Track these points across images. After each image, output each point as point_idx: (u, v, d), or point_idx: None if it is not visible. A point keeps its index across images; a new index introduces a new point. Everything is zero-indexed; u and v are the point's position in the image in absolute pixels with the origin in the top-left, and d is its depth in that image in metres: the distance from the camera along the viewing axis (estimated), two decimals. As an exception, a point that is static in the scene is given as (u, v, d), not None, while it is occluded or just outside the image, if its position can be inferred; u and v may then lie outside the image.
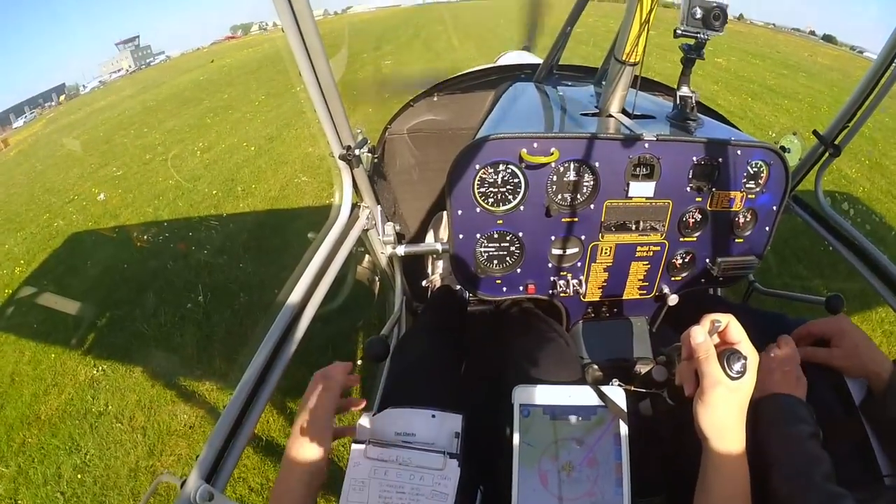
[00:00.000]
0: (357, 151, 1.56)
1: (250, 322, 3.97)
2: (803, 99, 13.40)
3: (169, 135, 11.08)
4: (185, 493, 0.92)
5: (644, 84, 2.20)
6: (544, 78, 2.11)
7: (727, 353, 0.87)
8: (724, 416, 0.88)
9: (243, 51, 34.12)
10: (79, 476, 3.08)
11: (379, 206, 1.78)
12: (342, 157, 1.55)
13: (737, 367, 0.86)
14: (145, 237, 5.79)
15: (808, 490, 0.87)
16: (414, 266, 1.82)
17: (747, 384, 0.88)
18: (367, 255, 2.00)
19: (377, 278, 2.04)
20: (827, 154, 1.91)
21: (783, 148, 1.96)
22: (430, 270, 2.25)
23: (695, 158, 1.42)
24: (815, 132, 1.92)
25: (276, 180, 6.87)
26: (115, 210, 7.14)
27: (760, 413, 1.03)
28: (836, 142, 1.85)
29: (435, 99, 2.23)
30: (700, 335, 0.91)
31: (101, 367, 3.87)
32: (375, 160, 1.97)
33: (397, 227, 1.85)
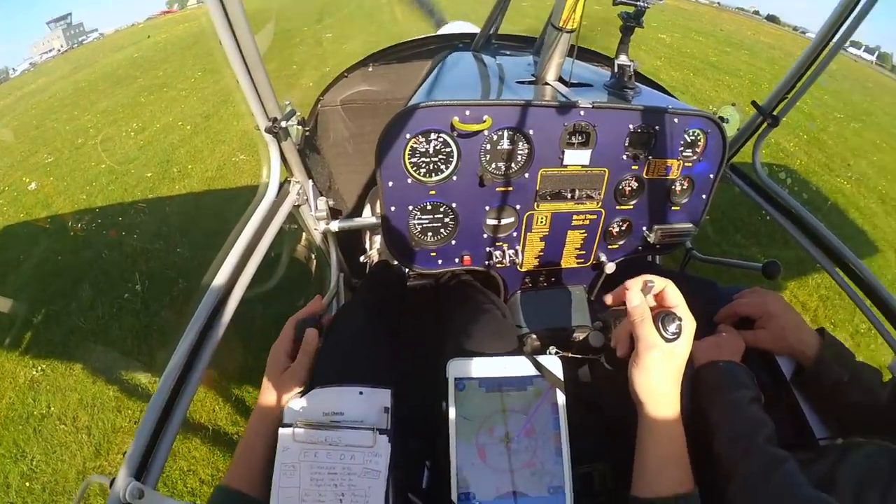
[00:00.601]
0: (284, 123, 1.48)
1: (190, 309, 3.79)
2: (744, 75, 13.94)
3: (102, 116, 10.51)
4: (114, 493, 0.88)
5: (582, 54, 2.17)
6: (482, 47, 2.08)
7: (662, 315, 0.88)
8: (659, 381, 0.87)
9: (180, 25, 32.40)
10: (27, 484, 2.97)
11: (311, 181, 1.70)
12: (268, 130, 1.47)
13: (671, 328, 0.86)
14: (79, 226, 5.47)
15: (751, 452, 0.88)
16: (351, 241, 1.77)
17: (683, 348, 0.88)
18: (304, 233, 1.92)
19: (313, 255, 1.97)
20: (765, 124, 1.95)
21: (722, 118, 2.01)
22: (367, 245, 2.19)
23: (631, 126, 1.42)
24: (753, 102, 1.95)
25: (213, 160, 6.68)
26: (46, 199, 6.74)
27: (702, 380, 1.05)
28: (775, 112, 1.90)
29: (370, 69, 2.16)
30: (636, 298, 0.91)
31: (40, 367, 3.70)
32: (307, 133, 1.88)
33: (331, 203, 1.77)
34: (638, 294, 0.92)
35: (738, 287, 1.44)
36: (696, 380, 1.06)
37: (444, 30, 3.59)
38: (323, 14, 18.90)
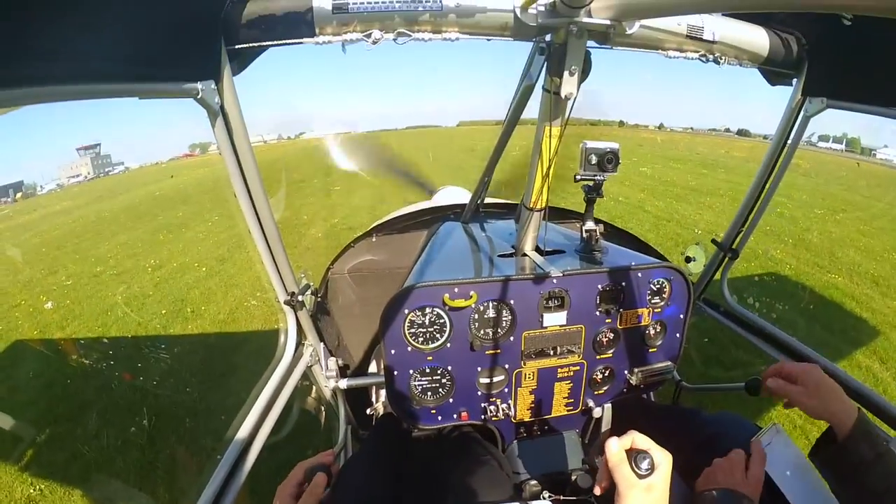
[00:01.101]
0: (300, 297, 1.71)
1: (196, 450, 3.81)
2: (724, 193, 14.71)
3: (121, 248, 10.94)
4: None
5: (557, 214, 2.49)
6: (470, 218, 2.37)
7: (634, 455, 0.98)
8: None
9: (200, 169, 34.67)
10: None
11: (322, 344, 1.90)
12: (287, 303, 1.69)
13: (643, 465, 0.95)
14: (92, 352, 5.56)
15: None
16: (359, 394, 1.94)
17: (660, 482, 0.96)
18: (313, 387, 2.09)
19: (323, 408, 2.12)
20: (727, 258, 2.18)
21: (689, 258, 2.28)
22: (374, 398, 2.33)
23: (600, 286, 1.63)
24: (713, 240, 2.20)
25: (226, 303, 6.86)
26: (62, 320, 6.89)
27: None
28: (734, 246, 2.13)
29: (374, 239, 2.45)
30: (614, 445, 1.01)
31: (38, 487, 3.60)
32: (319, 300, 2.13)
33: (340, 362, 1.96)
34: (616, 440, 1.01)
35: (725, 413, 1.60)
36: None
37: (437, 197, 4.03)
38: (331, 167, 20.52)
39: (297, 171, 23.24)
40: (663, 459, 0.98)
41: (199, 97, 1.20)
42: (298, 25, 1.26)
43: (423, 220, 2.54)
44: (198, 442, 3.85)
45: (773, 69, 1.69)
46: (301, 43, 1.30)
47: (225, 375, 4.71)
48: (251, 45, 1.28)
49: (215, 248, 9.83)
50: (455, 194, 3.86)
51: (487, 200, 2.55)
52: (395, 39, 1.30)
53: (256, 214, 1.50)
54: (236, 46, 1.27)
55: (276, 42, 1.28)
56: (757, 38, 1.60)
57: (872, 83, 1.52)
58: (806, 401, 1.24)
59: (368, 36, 1.28)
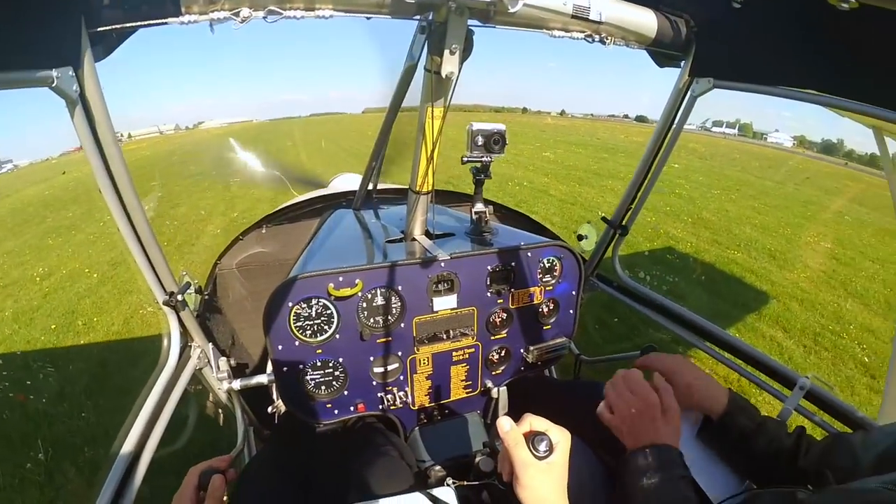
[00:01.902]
0: (181, 297, 1.61)
1: (96, 480, 3.49)
2: (625, 176, 15.13)
3: (8, 258, 9.87)
4: None
5: (446, 197, 2.52)
6: (362, 204, 2.34)
7: (531, 437, 0.97)
8: (542, 492, 0.94)
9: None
10: None
11: (210, 344, 1.81)
12: (166, 304, 1.59)
13: (541, 447, 0.95)
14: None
15: None
16: (260, 393, 1.88)
17: (559, 460, 0.97)
18: (210, 392, 1.98)
19: (221, 412, 2.03)
20: (617, 235, 2.28)
21: (580, 236, 2.36)
22: (275, 396, 2.29)
23: (489, 267, 1.66)
24: (603, 218, 2.30)
25: (120, 312, 6.31)
26: None
27: (628, 463, 1.11)
28: (623, 222, 2.22)
29: (263, 231, 2.36)
30: (506, 424, 1.01)
31: None
32: (206, 298, 2.03)
33: (233, 362, 1.88)
34: (508, 421, 1.01)
35: None
36: (624, 463, 1.13)
37: (333, 184, 3.96)
38: (231, 157, 19.18)
39: (195, 163, 22.26)
40: (561, 438, 0.99)
41: (53, 86, 1.08)
42: (163, 4, 1.16)
43: (315, 209, 2.49)
44: (101, 472, 3.52)
45: (662, 51, 1.73)
46: (167, 23, 1.19)
47: (122, 393, 4.28)
48: (114, 26, 1.17)
49: (107, 250, 9.08)
50: (352, 181, 3.75)
51: (384, 186, 2.54)
52: (265, 18, 1.22)
53: (125, 211, 1.38)
54: (98, 29, 1.15)
55: (141, 23, 1.18)
56: (645, 20, 1.61)
57: (757, 63, 1.59)
58: (680, 399, 1.21)
59: (237, 14, 1.20)
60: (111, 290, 7.14)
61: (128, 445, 1.37)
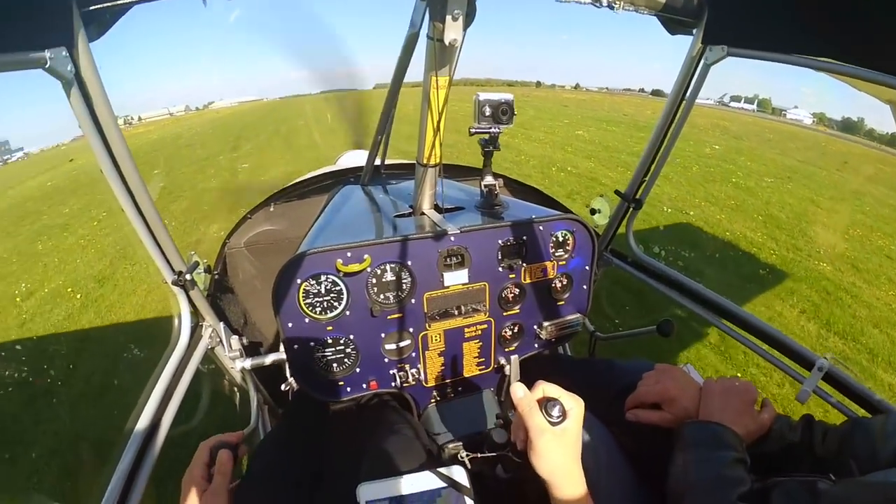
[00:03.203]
0: (189, 276, 1.69)
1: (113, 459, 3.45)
2: (679, 162, 14.55)
3: None
4: None
5: (455, 171, 2.58)
6: (370, 180, 2.42)
7: (544, 402, 1.01)
8: (556, 460, 0.98)
9: None
10: None
11: (222, 323, 1.90)
12: (175, 283, 1.67)
13: (555, 412, 0.99)
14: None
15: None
16: (273, 371, 1.96)
17: (572, 427, 1.00)
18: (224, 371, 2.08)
19: (236, 391, 2.13)
20: (631, 208, 2.32)
21: (593, 210, 2.43)
22: (288, 373, 2.38)
23: (500, 241, 1.71)
24: (617, 191, 2.35)
25: (102, 359, 5.23)
26: None
27: (683, 437, 1.14)
28: (637, 196, 2.27)
29: (272, 209, 2.45)
30: (519, 391, 1.04)
31: None
32: (216, 276, 2.13)
33: (245, 340, 1.96)
34: (521, 387, 1.05)
35: (638, 361, 1.67)
36: (678, 436, 1.17)
37: (340, 162, 4.05)
38: (240, 140, 18.50)
39: (202, 147, 21.60)
40: (574, 405, 1.02)
41: (47, 66, 1.14)
42: None
43: (323, 186, 2.56)
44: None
45: (673, 17, 1.75)
46: None
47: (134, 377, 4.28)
48: (106, 4, 1.23)
49: (97, 260, 8.66)
50: (359, 157, 3.81)
51: (392, 161, 2.61)
52: None
53: (129, 192, 1.45)
54: (90, 8, 1.22)
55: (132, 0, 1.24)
56: None
57: (771, 30, 1.59)
58: (674, 421, 1.27)
59: None
60: (93, 317, 6.41)
61: (141, 423, 1.46)
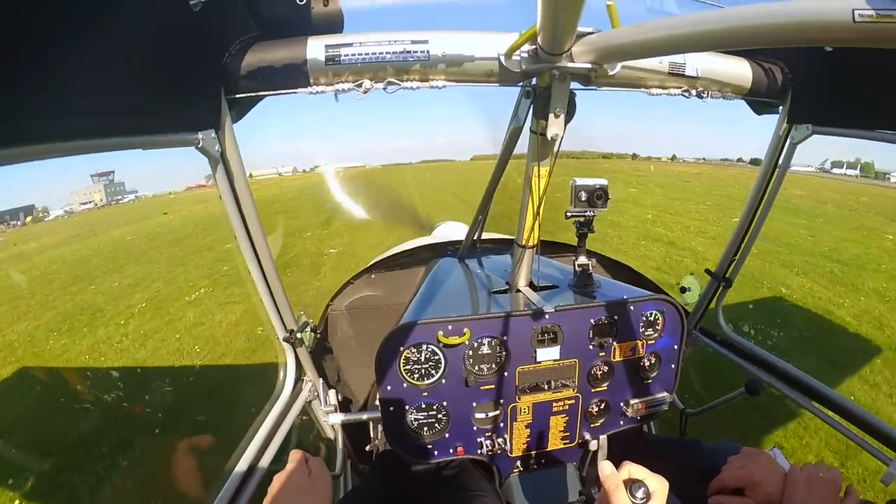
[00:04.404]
0: (299, 335, 1.88)
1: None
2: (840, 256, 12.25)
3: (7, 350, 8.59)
4: None
5: (550, 248, 2.67)
6: (467, 254, 2.56)
7: (629, 483, 1.05)
8: None
9: (197, 205, 34.18)
10: None
11: (321, 379, 2.06)
12: (286, 340, 1.86)
13: (639, 493, 1.03)
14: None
15: None
16: (360, 430, 2.06)
17: None
18: (315, 424, 2.24)
19: (323, 444, 2.27)
20: (721, 287, 2.32)
21: (683, 289, 2.46)
22: (373, 434, 2.44)
23: (593, 320, 1.77)
24: (707, 270, 2.36)
25: None
26: None
27: None
28: (727, 275, 2.28)
29: (372, 276, 2.64)
30: (608, 468, 1.09)
31: None
32: (318, 336, 2.30)
33: (339, 397, 2.11)
34: (609, 466, 1.09)
35: (725, 443, 1.68)
36: None
37: (436, 233, 4.28)
38: (335, 213, 17.17)
39: (294, 216, 20.87)
40: (658, 486, 1.06)
41: (199, 146, 1.34)
42: (294, 76, 1.42)
43: (420, 257, 2.73)
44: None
45: (758, 99, 1.82)
46: (296, 92, 1.46)
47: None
48: (250, 94, 1.44)
49: (136, 346, 7.60)
50: (454, 230, 4.08)
51: (486, 236, 2.74)
52: (384, 88, 1.46)
53: (256, 255, 1.66)
54: (236, 96, 1.42)
55: (273, 91, 1.45)
56: (740, 71, 1.71)
57: (854, 108, 1.64)
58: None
59: (360, 86, 1.44)
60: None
61: (242, 464, 1.62)
